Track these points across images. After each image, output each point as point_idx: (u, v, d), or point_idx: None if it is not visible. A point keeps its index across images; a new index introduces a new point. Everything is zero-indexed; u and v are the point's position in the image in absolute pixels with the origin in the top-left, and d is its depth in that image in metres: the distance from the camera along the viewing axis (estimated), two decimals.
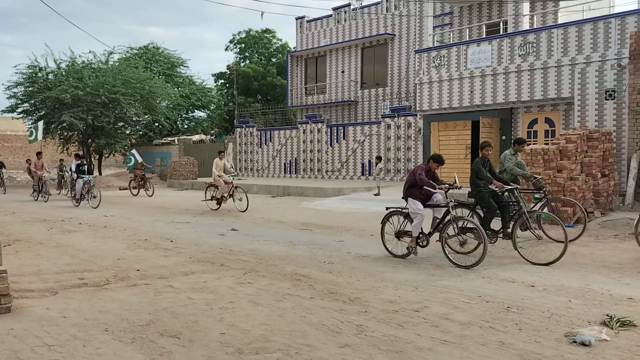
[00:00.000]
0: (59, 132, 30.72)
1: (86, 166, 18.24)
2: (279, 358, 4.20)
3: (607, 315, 5.15)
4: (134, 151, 23.46)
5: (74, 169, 19.31)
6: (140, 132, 34.66)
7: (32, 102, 29.55)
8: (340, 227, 11.87)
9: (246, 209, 14.77)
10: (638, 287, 6.36)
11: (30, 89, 29.07)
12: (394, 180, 21.79)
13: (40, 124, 23.69)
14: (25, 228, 11.83)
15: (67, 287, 6.43)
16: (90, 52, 48.16)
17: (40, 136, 22.96)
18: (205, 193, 16.05)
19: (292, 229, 11.79)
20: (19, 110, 30.13)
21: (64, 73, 29.49)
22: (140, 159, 22.38)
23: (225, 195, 15.33)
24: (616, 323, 4.92)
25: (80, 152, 28.17)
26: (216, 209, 15.42)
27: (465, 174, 18.72)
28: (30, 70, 29.43)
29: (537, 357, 4.19)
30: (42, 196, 19.62)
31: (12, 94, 29.43)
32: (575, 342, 4.48)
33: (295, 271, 7.38)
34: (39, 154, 21.17)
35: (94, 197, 17.14)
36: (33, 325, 5.00)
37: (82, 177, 17.46)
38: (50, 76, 29.79)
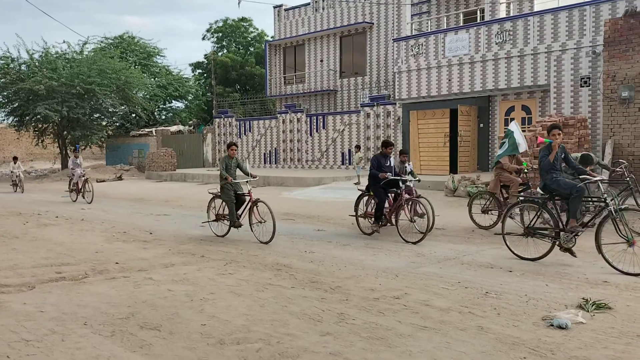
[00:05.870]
0: (33, 124, 30.13)
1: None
2: (261, 348, 4.19)
3: (583, 298, 5.24)
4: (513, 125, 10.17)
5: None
6: (117, 123, 34.18)
7: (5, 94, 28.93)
8: (320, 217, 11.88)
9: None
10: (613, 271, 6.49)
11: (2, 80, 28.45)
12: None
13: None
14: (0, 222, 11.61)
15: (45, 282, 6.34)
16: (64, 41, 47.32)
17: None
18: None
19: None
20: None
21: (37, 64, 28.90)
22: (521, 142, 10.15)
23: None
24: (592, 306, 5.01)
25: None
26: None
27: (444, 162, 18.91)
28: (2, 62, 28.78)
29: (515, 340, 4.26)
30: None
31: None
32: (552, 325, 4.56)
33: (276, 261, 7.37)
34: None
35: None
36: (10, 320, 4.92)
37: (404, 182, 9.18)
38: (23, 67, 29.18)
